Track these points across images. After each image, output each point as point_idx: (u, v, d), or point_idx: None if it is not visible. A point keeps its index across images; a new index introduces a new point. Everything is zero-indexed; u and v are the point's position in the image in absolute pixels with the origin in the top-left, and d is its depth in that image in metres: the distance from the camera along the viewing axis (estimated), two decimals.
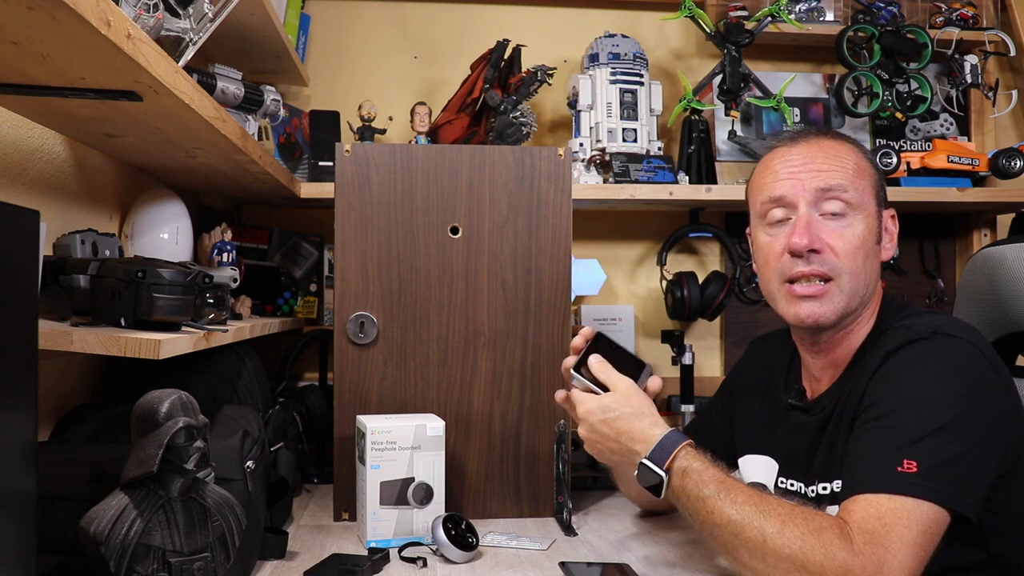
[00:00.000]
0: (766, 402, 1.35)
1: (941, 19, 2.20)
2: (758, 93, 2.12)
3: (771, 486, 1.27)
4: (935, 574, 1.01)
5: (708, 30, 2.09)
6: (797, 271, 1.18)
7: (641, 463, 1.10)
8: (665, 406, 2.21)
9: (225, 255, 1.63)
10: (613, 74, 2.05)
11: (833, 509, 1.06)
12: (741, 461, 1.35)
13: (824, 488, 1.18)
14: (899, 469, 1.00)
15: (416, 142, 1.99)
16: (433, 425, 1.35)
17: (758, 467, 1.31)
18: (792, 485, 1.24)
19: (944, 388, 1.05)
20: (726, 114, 2.13)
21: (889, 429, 1.04)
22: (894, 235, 1.24)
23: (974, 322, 1.47)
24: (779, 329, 1.39)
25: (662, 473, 1.08)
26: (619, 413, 1.15)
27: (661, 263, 2.17)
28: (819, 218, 1.18)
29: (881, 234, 1.22)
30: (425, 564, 1.24)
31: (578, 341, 1.24)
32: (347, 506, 1.46)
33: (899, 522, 0.97)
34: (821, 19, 2.21)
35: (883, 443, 1.03)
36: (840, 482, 1.12)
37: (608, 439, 1.15)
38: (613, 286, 2.27)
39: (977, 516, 1.01)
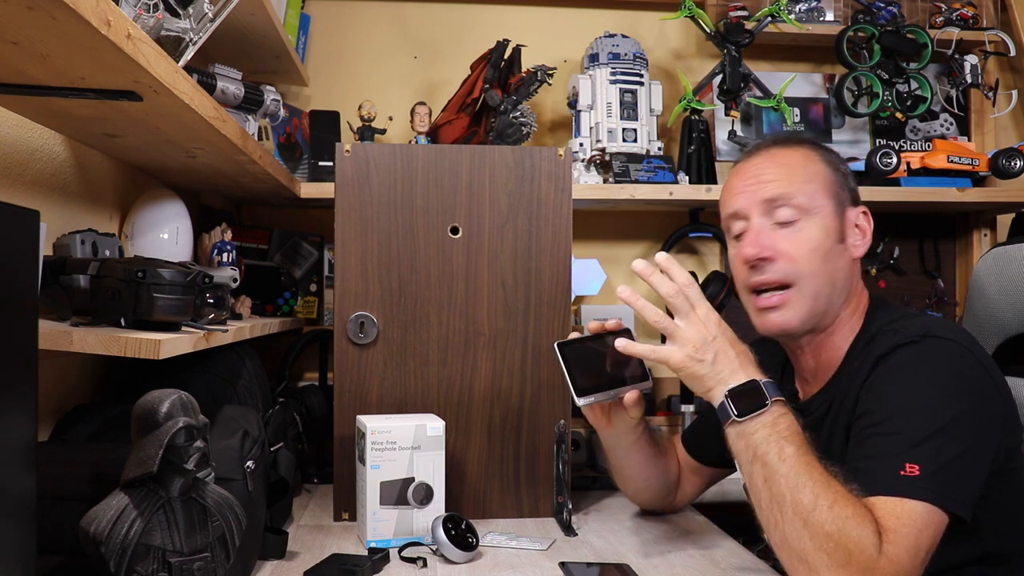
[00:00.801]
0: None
1: (941, 19, 2.20)
2: (758, 93, 2.12)
3: None
4: (932, 572, 1.02)
5: (708, 30, 2.09)
6: (754, 280, 1.22)
7: (756, 380, 1.09)
8: (665, 406, 2.21)
9: (225, 255, 1.63)
10: (613, 74, 2.05)
11: None
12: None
13: None
14: (902, 473, 1.01)
15: (416, 142, 1.99)
16: (433, 425, 1.35)
17: None
18: None
19: (937, 391, 1.07)
20: (726, 114, 2.13)
21: (887, 435, 1.05)
22: (867, 231, 1.25)
23: (984, 323, 1.48)
24: None
25: (769, 401, 1.07)
26: (741, 341, 1.14)
27: None
28: (772, 227, 1.21)
29: (845, 232, 1.23)
30: (425, 564, 1.24)
31: (595, 325, 1.26)
32: (347, 506, 1.46)
33: (914, 525, 0.99)
34: (821, 19, 2.21)
35: (884, 448, 1.05)
36: None
37: (729, 345, 1.12)
38: (613, 286, 2.27)
39: (971, 516, 1.03)
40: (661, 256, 1.17)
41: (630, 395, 1.28)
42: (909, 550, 0.97)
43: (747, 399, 1.08)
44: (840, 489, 1.01)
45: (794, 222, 1.20)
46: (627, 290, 1.17)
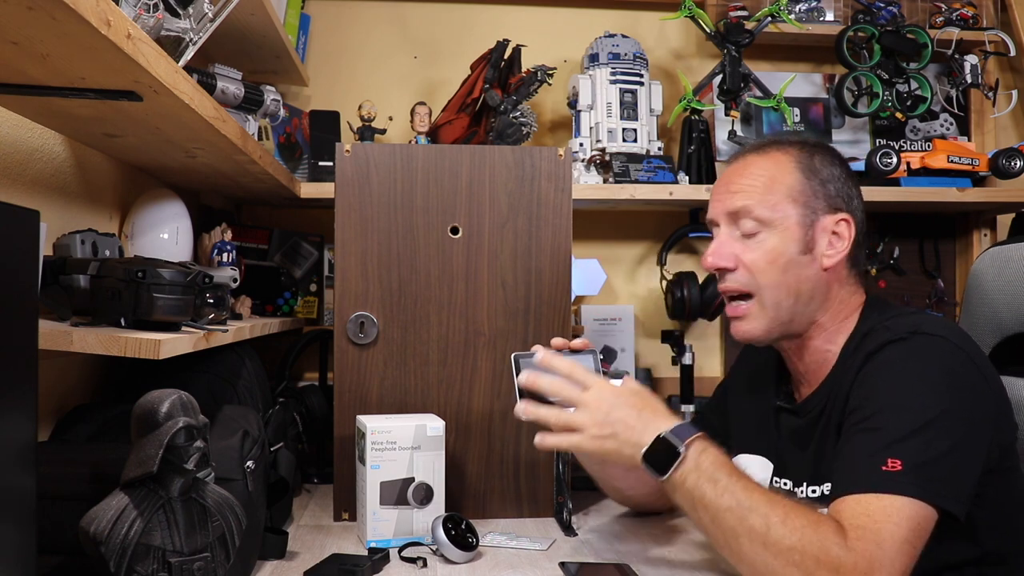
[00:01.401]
0: (758, 403, 1.36)
1: (941, 19, 2.20)
2: (758, 93, 2.12)
3: (766, 486, 1.28)
4: (930, 572, 1.02)
5: (708, 30, 2.09)
6: (719, 287, 1.25)
7: (661, 436, 1.08)
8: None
9: (225, 255, 1.63)
10: (613, 74, 2.05)
11: (823, 511, 1.07)
12: (735, 460, 1.36)
13: (813, 491, 1.20)
14: (884, 468, 1.01)
15: (416, 142, 1.99)
16: (433, 425, 1.35)
17: (754, 467, 1.31)
18: (786, 484, 1.26)
19: (925, 387, 1.07)
20: (726, 114, 2.13)
21: (873, 431, 1.06)
22: (846, 237, 1.21)
23: (982, 323, 1.47)
24: None
25: (682, 447, 1.07)
26: (646, 396, 1.15)
27: (661, 263, 2.17)
28: (737, 236, 1.23)
29: (814, 242, 1.20)
30: (425, 564, 1.24)
31: (558, 342, 1.25)
32: (347, 506, 1.46)
33: (889, 520, 0.98)
34: (821, 19, 2.21)
35: (867, 445, 1.05)
36: (829, 485, 1.14)
37: (628, 411, 1.12)
38: (613, 286, 2.27)
39: (965, 513, 1.03)
40: (538, 356, 1.18)
41: None
42: (881, 544, 0.97)
43: (661, 456, 1.08)
44: (786, 503, 1.02)
45: (756, 234, 1.21)
46: (521, 407, 1.17)
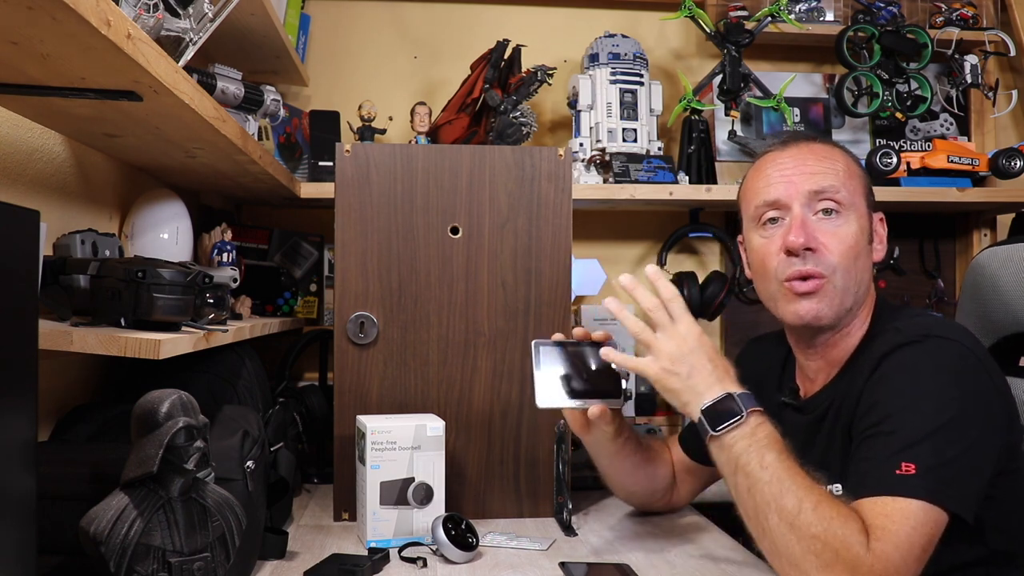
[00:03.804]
0: (760, 401, 1.35)
1: (941, 19, 2.20)
2: (758, 93, 2.12)
3: None
4: (937, 573, 1.02)
5: (708, 30, 2.09)
6: (794, 270, 1.19)
7: (731, 393, 1.10)
8: (665, 405, 2.21)
9: (225, 255, 1.63)
10: (613, 74, 2.05)
11: None
12: None
13: None
14: (898, 472, 1.01)
15: (416, 142, 1.99)
16: (433, 425, 1.35)
17: None
18: None
19: (938, 391, 1.07)
20: (726, 114, 2.13)
21: (886, 434, 1.06)
22: (883, 237, 1.27)
23: (978, 322, 1.47)
24: (774, 331, 1.40)
25: (744, 412, 1.08)
26: (722, 355, 1.15)
27: (661, 263, 2.17)
28: (813, 218, 1.20)
29: (872, 235, 1.25)
30: (425, 564, 1.24)
31: (579, 332, 1.28)
32: (347, 506, 1.46)
33: (907, 523, 0.99)
34: (821, 19, 2.21)
35: (881, 448, 1.05)
36: (838, 486, 1.13)
37: (706, 359, 1.12)
38: (613, 286, 2.27)
39: (973, 516, 1.03)
40: (650, 269, 1.19)
41: (594, 409, 1.24)
42: (899, 547, 0.97)
43: (721, 412, 1.09)
44: (822, 492, 1.02)
45: (835, 216, 1.20)
46: (614, 302, 1.19)
